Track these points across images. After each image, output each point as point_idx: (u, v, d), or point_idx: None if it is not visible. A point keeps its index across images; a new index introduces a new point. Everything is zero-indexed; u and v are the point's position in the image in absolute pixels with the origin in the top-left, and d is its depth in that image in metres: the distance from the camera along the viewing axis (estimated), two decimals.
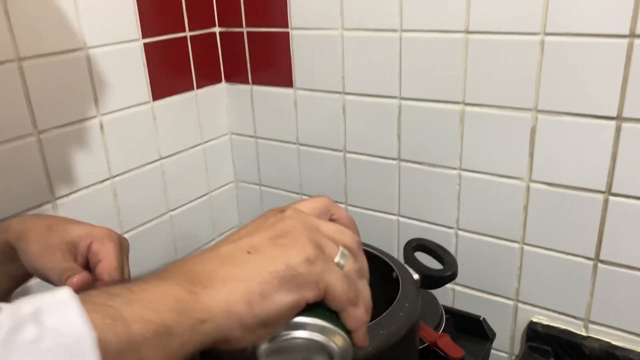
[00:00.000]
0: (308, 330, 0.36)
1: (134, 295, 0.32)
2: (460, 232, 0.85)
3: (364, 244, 0.61)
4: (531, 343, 0.81)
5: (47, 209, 0.77)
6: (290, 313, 0.35)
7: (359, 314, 0.38)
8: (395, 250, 0.94)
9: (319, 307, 0.37)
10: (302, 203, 0.42)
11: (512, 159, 0.77)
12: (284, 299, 0.35)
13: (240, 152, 1.07)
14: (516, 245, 0.80)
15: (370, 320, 0.39)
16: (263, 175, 1.06)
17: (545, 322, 0.81)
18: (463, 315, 0.84)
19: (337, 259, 0.38)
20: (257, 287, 0.34)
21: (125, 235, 0.89)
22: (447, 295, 0.90)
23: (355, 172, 0.93)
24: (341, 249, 0.38)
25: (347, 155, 0.93)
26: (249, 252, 0.36)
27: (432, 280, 0.56)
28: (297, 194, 1.02)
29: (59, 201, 0.78)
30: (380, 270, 0.59)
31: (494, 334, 0.82)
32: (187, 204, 0.99)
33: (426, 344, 0.68)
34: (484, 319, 0.82)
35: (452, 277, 0.56)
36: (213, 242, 1.08)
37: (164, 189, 0.94)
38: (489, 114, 0.76)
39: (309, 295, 0.35)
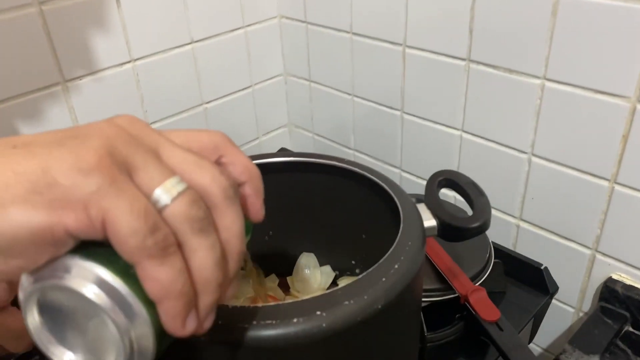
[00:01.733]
0: (82, 279, 0.24)
1: None
2: (535, 159, 0.68)
3: (364, 169, 0.48)
4: (605, 304, 0.65)
5: (57, 91, 0.69)
6: (37, 242, 0.24)
7: (164, 276, 0.24)
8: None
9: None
10: (181, 131, 0.29)
11: (618, 72, 0.56)
12: (24, 215, 0.23)
13: (289, 40, 0.92)
14: (605, 183, 0.62)
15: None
16: (313, 70, 0.91)
17: (628, 281, 0.64)
18: (520, 261, 0.69)
19: (157, 192, 0.25)
20: None
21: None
22: (507, 233, 0.75)
23: (415, 72, 0.76)
24: (174, 181, 0.25)
25: (407, 50, 0.76)
26: (14, 147, 0.25)
27: (451, 230, 0.42)
28: (349, 95, 0.87)
29: (69, 84, 0.70)
30: (383, 206, 0.45)
31: (556, 288, 0.67)
32: (225, 96, 0.89)
33: (456, 295, 0.55)
34: (545, 268, 0.67)
35: (478, 231, 0.41)
36: (257, 142, 0.98)
37: (197, 78, 0.84)
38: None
39: (70, 221, 0.23)
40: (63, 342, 0.27)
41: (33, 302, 0.26)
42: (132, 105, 0.78)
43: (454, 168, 0.77)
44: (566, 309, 0.73)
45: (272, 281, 0.56)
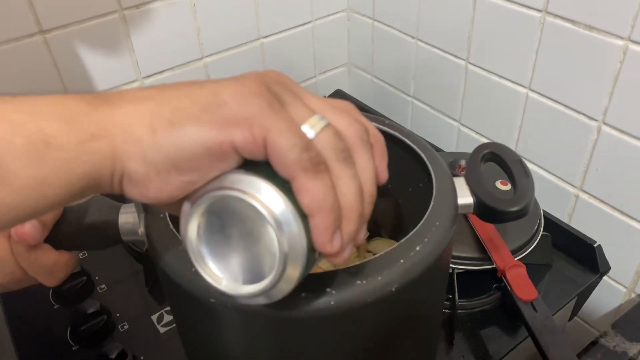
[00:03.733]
0: (246, 191, 0.26)
1: (14, 100, 0.25)
2: (605, 128, 0.62)
3: (403, 132, 0.45)
4: None
5: (114, 19, 0.69)
6: (209, 157, 0.26)
7: (317, 190, 0.26)
8: (513, 142, 0.74)
9: (273, 173, 0.26)
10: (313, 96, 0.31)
11: None
12: (199, 131, 0.26)
13: None
14: None
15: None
16: (378, 8, 0.86)
17: None
18: (572, 236, 0.64)
19: (303, 127, 0.27)
20: (169, 111, 0.26)
21: (207, 61, 0.82)
22: (563, 203, 0.70)
23: (485, 20, 0.70)
24: (318, 117, 0.28)
25: None
26: (187, 83, 0.28)
27: (488, 211, 0.38)
28: (413, 38, 0.82)
29: (127, 12, 0.70)
30: (420, 174, 0.43)
31: (608, 268, 0.63)
32: (283, 31, 0.86)
33: (492, 266, 0.53)
34: (599, 246, 0.63)
35: (516, 215, 0.38)
36: (313, 81, 0.95)
37: (255, 11, 0.81)
38: None
39: (237, 137, 0.26)
40: (216, 260, 0.29)
41: (196, 216, 0.28)
42: (188, 37, 0.77)
43: (516, 128, 0.72)
44: (618, 288, 0.69)
45: None
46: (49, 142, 0.24)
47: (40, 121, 0.24)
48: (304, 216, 0.26)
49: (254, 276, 0.28)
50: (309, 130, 0.27)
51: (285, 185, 0.26)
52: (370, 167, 0.29)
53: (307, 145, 0.26)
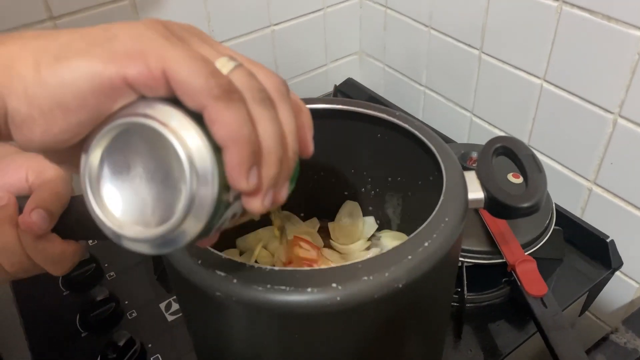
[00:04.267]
0: (155, 117, 0.24)
1: None
2: (621, 121, 0.60)
3: (414, 125, 0.44)
4: None
5: (124, 5, 0.69)
6: (98, 94, 0.24)
7: (231, 119, 0.24)
8: (526, 134, 0.72)
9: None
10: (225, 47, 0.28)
11: None
12: (85, 66, 0.24)
13: None
14: None
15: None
16: None
17: None
18: (585, 230, 0.63)
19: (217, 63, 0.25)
20: (56, 47, 0.24)
21: None
22: (576, 197, 0.69)
23: (499, 9, 0.68)
24: (227, 59, 0.26)
25: None
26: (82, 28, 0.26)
27: (499, 207, 0.38)
28: (426, 26, 0.80)
29: None
30: (431, 168, 0.42)
31: (620, 263, 0.62)
32: (294, 19, 0.85)
33: (502, 260, 0.52)
34: (612, 241, 0.62)
35: (527, 211, 0.37)
36: (324, 69, 0.94)
37: None
38: None
39: (129, 71, 0.24)
40: (118, 202, 0.26)
41: (99, 146, 0.25)
42: (198, 23, 0.76)
43: (529, 119, 0.71)
44: (630, 283, 0.68)
45: (312, 226, 0.55)
46: None
47: None
48: (217, 150, 0.24)
49: (159, 219, 0.25)
50: (220, 68, 0.25)
51: (197, 118, 0.24)
52: (291, 121, 0.27)
53: (214, 71, 0.24)
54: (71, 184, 0.41)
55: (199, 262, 0.34)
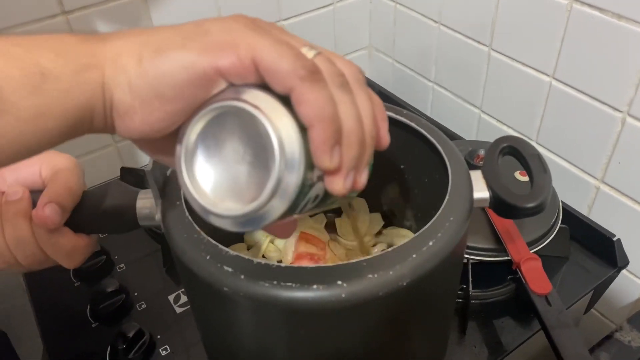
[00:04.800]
0: (248, 100, 0.26)
1: (12, 36, 0.26)
2: (630, 120, 0.60)
3: (420, 124, 0.44)
4: None
5: (138, 0, 0.70)
6: (193, 84, 0.26)
7: (316, 98, 0.25)
8: (534, 131, 0.72)
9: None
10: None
11: None
12: (182, 57, 0.26)
13: None
14: None
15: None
16: None
17: None
18: (591, 229, 0.63)
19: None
20: (156, 41, 0.27)
21: None
22: (583, 195, 0.69)
23: (509, 6, 0.68)
24: (308, 48, 0.28)
25: None
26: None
27: (504, 206, 0.38)
28: (436, 22, 0.80)
29: None
30: (437, 166, 0.42)
31: (626, 262, 0.62)
32: (304, 13, 0.85)
33: (508, 258, 0.53)
34: (618, 240, 0.62)
35: (532, 212, 0.38)
36: None
37: None
38: None
39: (222, 61, 0.25)
40: (210, 180, 0.28)
41: (197, 125, 0.27)
42: (208, 16, 0.76)
43: (538, 117, 0.71)
44: (636, 282, 0.69)
45: (319, 222, 0.56)
46: (44, 74, 0.25)
47: (36, 54, 0.25)
48: (303, 130, 0.26)
49: (248, 198, 0.27)
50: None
51: (284, 101, 0.26)
52: (369, 106, 0.28)
53: (299, 54, 0.26)
54: (83, 178, 0.42)
55: (208, 257, 0.35)
